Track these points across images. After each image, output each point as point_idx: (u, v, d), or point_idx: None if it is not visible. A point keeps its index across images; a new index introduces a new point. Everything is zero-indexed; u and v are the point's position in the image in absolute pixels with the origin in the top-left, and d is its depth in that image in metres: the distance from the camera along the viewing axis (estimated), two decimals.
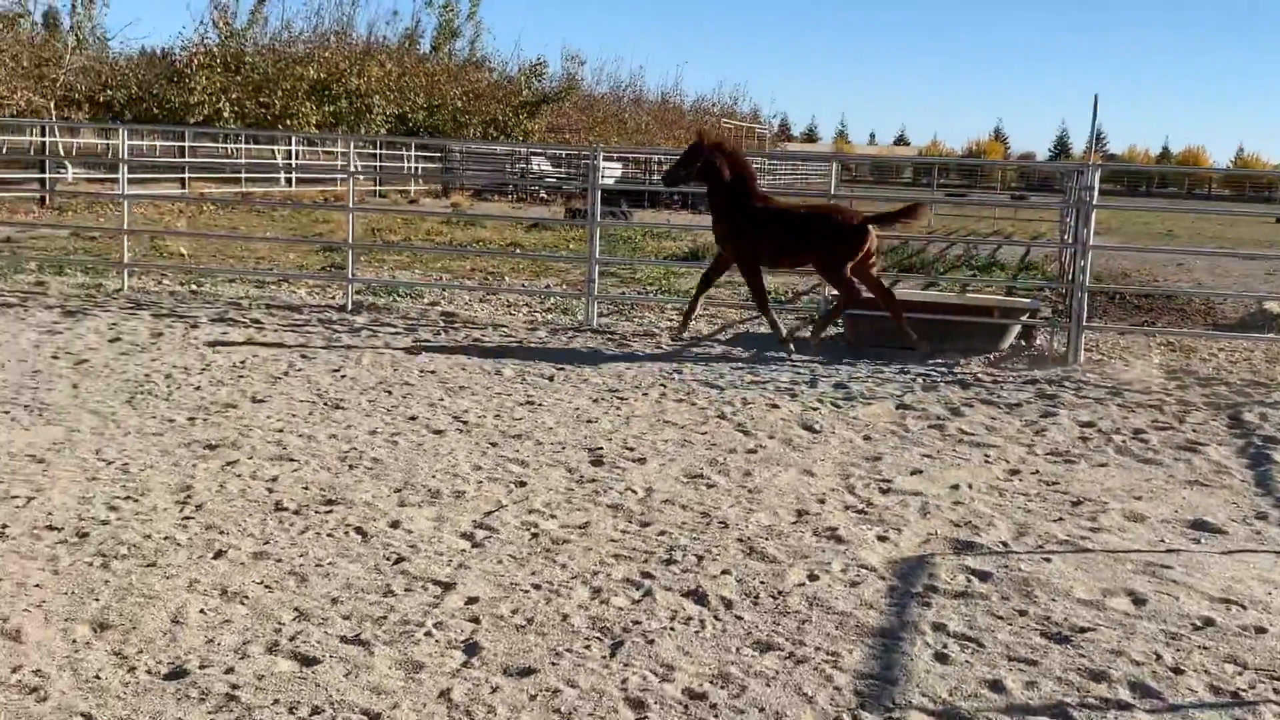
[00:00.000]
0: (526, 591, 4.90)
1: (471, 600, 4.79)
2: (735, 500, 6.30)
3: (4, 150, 35.26)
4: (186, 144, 35.04)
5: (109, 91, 33.80)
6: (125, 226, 13.78)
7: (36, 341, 9.74)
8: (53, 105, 30.75)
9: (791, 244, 10.33)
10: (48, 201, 23.05)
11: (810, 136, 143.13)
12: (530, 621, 4.60)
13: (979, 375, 10.11)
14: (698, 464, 6.97)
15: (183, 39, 37.15)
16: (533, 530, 5.67)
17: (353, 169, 14.37)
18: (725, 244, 10.64)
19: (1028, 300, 12.40)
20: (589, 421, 7.92)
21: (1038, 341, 11.67)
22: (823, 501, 6.35)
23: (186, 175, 30.23)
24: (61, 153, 31.43)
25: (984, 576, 5.31)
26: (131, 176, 27.59)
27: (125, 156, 14.42)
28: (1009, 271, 19.05)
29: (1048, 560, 5.56)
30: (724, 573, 5.21)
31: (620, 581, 5.05)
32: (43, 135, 27.39)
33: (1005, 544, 5.79)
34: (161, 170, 31.52)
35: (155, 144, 39.30)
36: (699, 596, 4.92)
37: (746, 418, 8.23)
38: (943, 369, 10.30)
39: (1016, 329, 11.37)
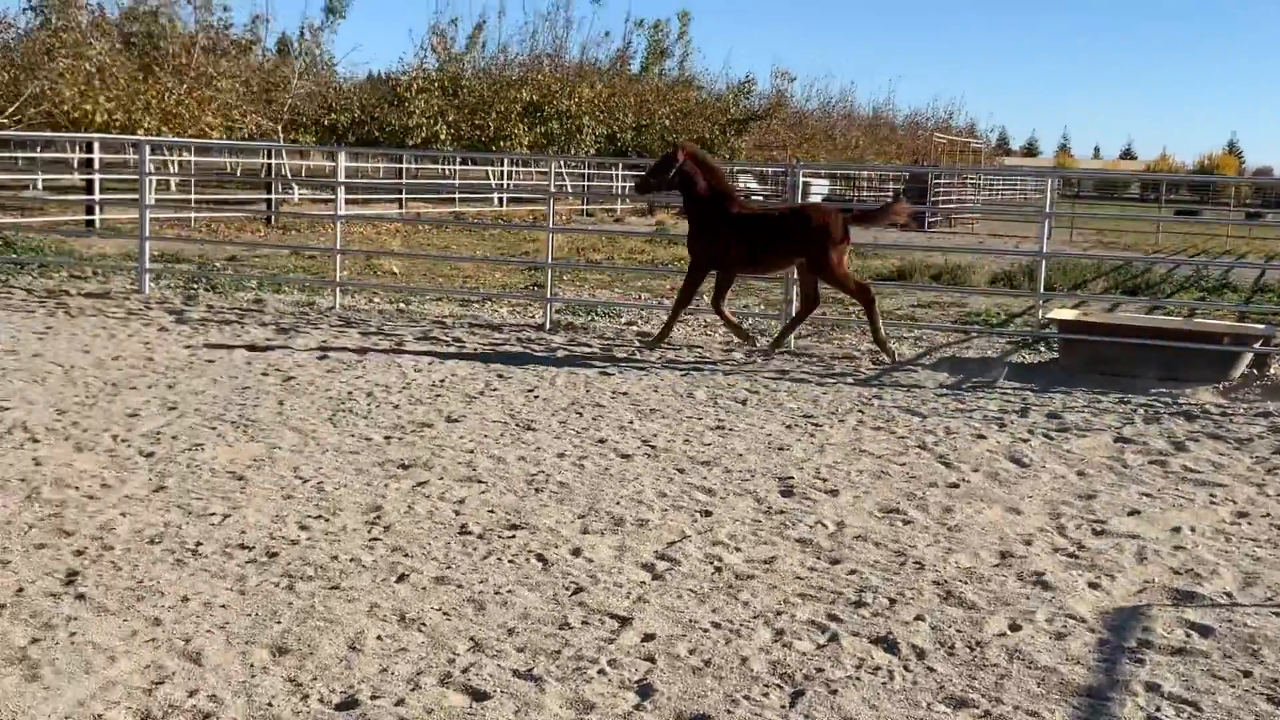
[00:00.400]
0: (705, 630, 4.70)
1: (648, 637, 4.61)
2: (933, 539, 5.96)
3: (238, 172, 37.17)
4: (404, 165, 36.25)
5: (333, 115, 35.23)
6: (339, 246, 14.21)
7: (249, 358, 10.07)
8: (280, 129, 32.23)
9: (771, 246, 10.73)
10: (273, 221, 24.10)
11: (1030, 150, 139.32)
12: (707, 663, 4.40)
13: (1206, 407, 9.44)
14: (894, 498, 6.65)
15: (403, 64, 38.50)
16: (716, 564, 5.47)
17: (553, 189, 14.52)
18: (696, 246, 11.07)
19: (1261, 326, 11.57)
20: (781, 449, 7.67)
21: (1272, 370, 10.86)
22: (1029, 543, 5.95)
23: (403, 195, 31.23)
24: (289, 174, 32.91)
25: (1205, 631, 4.85)
26: (351, 197, 28.70)
27: (342, 178, 14.89)
28: (1242, 294, 17.90)
29: (1277, 614, 5.06)
30: (917, 619, 4.90)
31: (805, 623, 4.80)
32: (269, 157, 28.70)
33: (1230, 595, 5.30)
34: (380, 191, 32.64)
35: (379, 165, 40.76)
36: (889, 644, 4.63)
37: (949, 448, 7.85)
38: (1166, 399, 9.66)
39: (1248, 357, 10.60)
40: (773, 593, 5.12)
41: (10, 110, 26.12)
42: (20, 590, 4.82)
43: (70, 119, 25.97)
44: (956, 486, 6.93)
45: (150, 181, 14.14)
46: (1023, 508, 6.55)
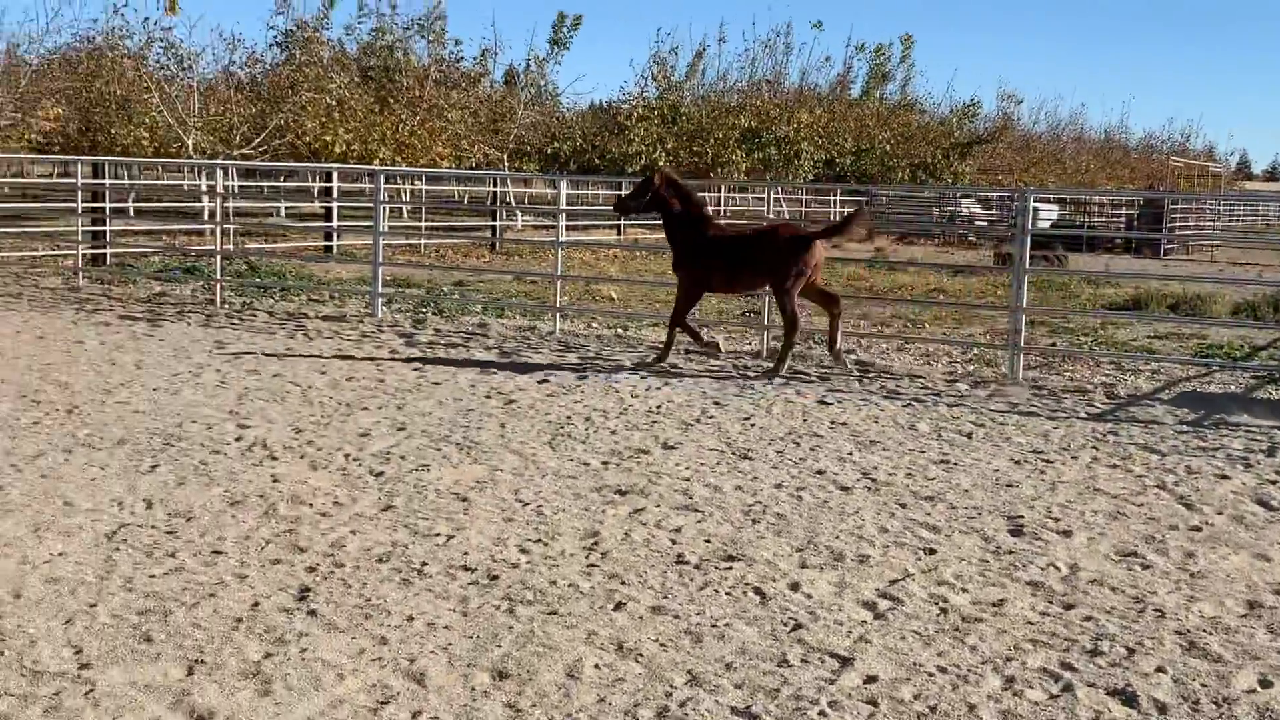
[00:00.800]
0: (931, 674, 4.52)
1: (870, 679, 4.47)
2: (1174, 585, 5.62)
3: (465, 200, 38.40)
4: (624, 192, 36.79)
5: (556, 144, 36.03)
6: (559, 272, 14.47)
7: (473, 381, 10.32)
8: (506, 157, 33.14)
9: (744, 266, 11.08)
10: (497, 247, 24.76)
11: (1274, 174, 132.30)
12: (933, 709, 4.23)
13: None
14: (1131, 540, 6.30)
15: (624, 92, 39.16)
16: (941, 604, 5.27)
17: (770, 215, 14.48)
18: (678, 270, 11.42)
19: None
20: (1009, 485, 7.38)
21: None
22: (1279, 593, 5.56)
23: (622, 222, 31.62)
24: (513, 201, 33.86)
25: None
26: (572, 223, 29.25)
27: (564, 205, 15.18)
28: None
29: None
30: (1158, 670, 4.61)
31: (1036, 671, 4.57)
32: (495, 185, 29.55)
33: None
34: (599, 217, 33.19)
35: (599, 192, 41.49)
36: (1127, 697, 4.36)
37: (1191, 489, 7.41)
38: None
39: None
40: (1002, 637, 4.91)
41: (257, 141, 27.68)
42: (256, 605, 5.02)
43: (311, 149, 27.35)
44: (1199, 530, 6.53)
45: (384, 209, 14.70)
46: (1272, 554, 6.12)
